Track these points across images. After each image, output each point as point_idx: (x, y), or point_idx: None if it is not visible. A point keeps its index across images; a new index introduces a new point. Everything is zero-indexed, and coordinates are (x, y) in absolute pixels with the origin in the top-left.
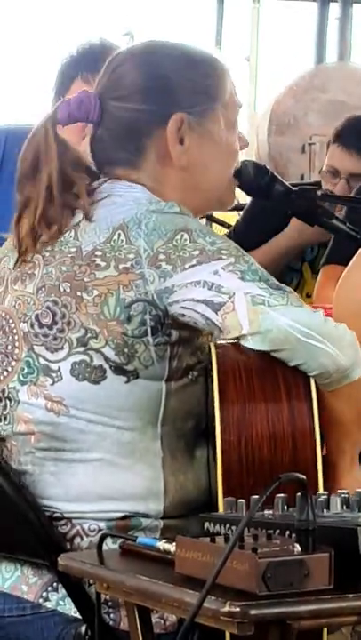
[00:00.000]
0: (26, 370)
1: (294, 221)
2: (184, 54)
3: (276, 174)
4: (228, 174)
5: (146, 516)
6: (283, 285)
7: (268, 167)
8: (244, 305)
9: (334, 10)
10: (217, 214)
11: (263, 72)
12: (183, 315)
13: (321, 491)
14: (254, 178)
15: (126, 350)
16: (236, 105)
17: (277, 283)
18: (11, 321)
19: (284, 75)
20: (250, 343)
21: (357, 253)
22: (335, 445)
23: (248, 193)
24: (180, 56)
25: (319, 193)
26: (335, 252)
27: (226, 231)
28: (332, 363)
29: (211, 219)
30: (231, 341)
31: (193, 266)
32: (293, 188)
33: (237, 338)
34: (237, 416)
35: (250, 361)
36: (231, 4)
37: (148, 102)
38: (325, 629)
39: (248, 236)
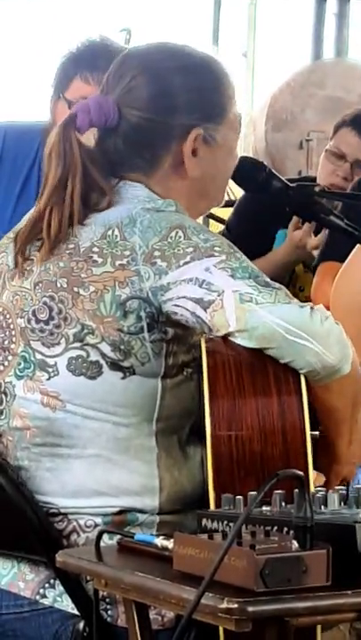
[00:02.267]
0: (22, 364)
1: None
2: (198, 66)
3: (273, 170)
4: (229, 177)
5: (141, 511)
6: (272, 282)
7: (265, 163)
8: (232, 303)
9: (331, 6)
10: (213, 210)
11: (260, 68)
12: (175, 312)
13: (311, 483)
14: (252, 174)
15: (122, 347)
16: (240, 114)
17: (267, 280)
18: (8, 316)
19: (281, 71)
20: (238, 340)
21: (355, 249)
22: (332, 430)
23: (246, 189)
24: (195, 69)
25: (317, 189)
26: (332, 249)
27: (222, 227)
28: (318, 361)
29: (209, 215)
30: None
31: (187, 263)
32: (291, 185)
33: (226, 335)
34: (227, 410)
35: (240, 356)
36: (228, 0)
37: (166, 116)
38: (319, 626)
39: (240, 230)
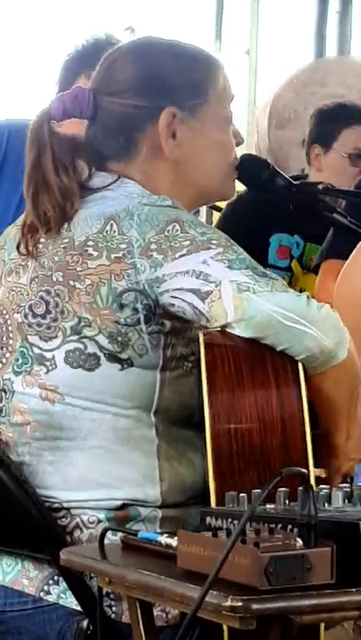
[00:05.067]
0: (20, 360)
1: None
2: (175, 50)
3: (276, 168)
4: (222, 168)
5: (144, 503)
6: (269, 273)
7: (268, 161)
8: (229, 293)
9: (334, 3)
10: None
11: (263, 66)
12: (173, 304)
13: (312, 472)
14: (255, 172)
15: (120, 338)
16: (229, 99)
17: (264, 270)
18: (4, 312)
19: (284, 68)
20: (236, 330)
21: (358, 247)
22: (330, 422)
23: (249, 187)
24: (171, 52)
25: (321, 187)
26: (335, 247)
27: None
28: (316, 345)
29: (214, 207)
30: (219, 329)
31: (183, 255)
32: (295, 182)
33: (224, 326)
34: (226, 402)
35: (238, 347)
36: None
37: (139, 97)
38: (323, 624)
39: (234, 234)
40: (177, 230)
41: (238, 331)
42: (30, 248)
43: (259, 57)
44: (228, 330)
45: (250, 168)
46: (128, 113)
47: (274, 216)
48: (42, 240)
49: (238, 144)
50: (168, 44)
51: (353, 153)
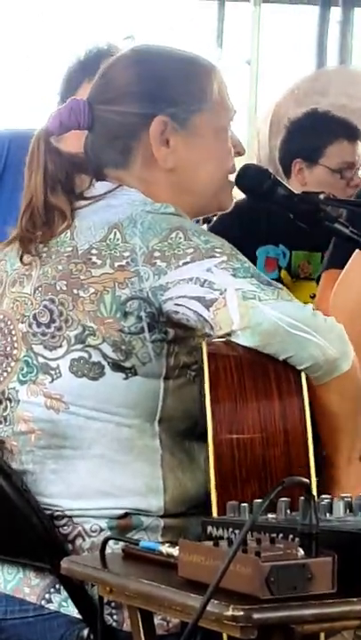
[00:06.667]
0: (25, 369)
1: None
2: (170, 57)
3: (278, 178)
4: (219, 177)
5: (147, 513)
6: (274, 282)
7: (269, 171)
8: (235, 300)
9: (335, 13)
10: None
11: (264, 75)
12: (176, 312)
13: (313, 481)
14: (256, 181)
15: (124, 347)
16: (227, 108)
17: (269, 279)
18: (9, 322)
19: (285, 78)
20: (240, 339)
21: (354, 255)
22: (331, 443)
23: (250, 196)
24: (166, 59)
25: (322, 197)
26: (337, 256)
27: None
28: (321, 354)
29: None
30: (223, 339)
31: (187, 263)
32: (296, 192)
33: (228, 334)
34: (229, 412)
35: (241, 358)
36: (232, 8)
37: (132, 105)
38: (323, 634)
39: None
40: (180, 238)
41: (243, 339)
42: (34, 254)
43: (260, 67)
44: (232, 338)
45: (251, 178)
46: (122, 121)
47: (257, 229)
48: (44, 249)
49: (239, 154)
50: (163, 52)
51: (342, 167)
